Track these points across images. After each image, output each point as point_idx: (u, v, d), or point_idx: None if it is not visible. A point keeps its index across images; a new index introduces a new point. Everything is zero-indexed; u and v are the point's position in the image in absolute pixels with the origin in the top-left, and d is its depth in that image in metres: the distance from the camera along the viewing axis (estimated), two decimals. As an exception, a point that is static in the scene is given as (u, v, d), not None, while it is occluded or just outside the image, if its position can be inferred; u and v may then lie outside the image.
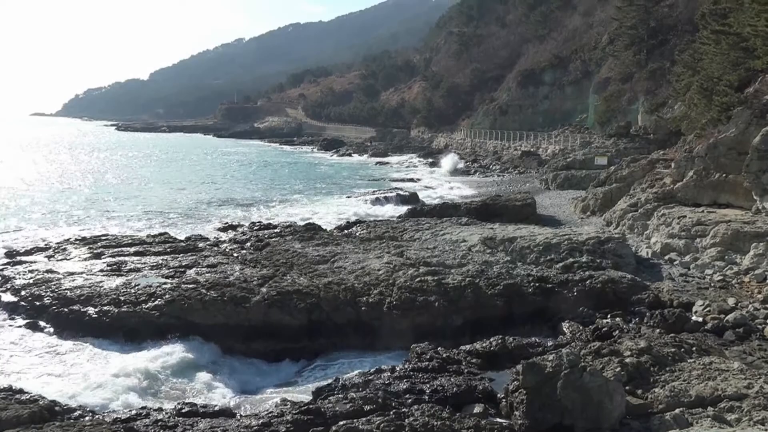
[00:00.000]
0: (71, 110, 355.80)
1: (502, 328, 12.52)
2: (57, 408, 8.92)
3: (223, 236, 21.75)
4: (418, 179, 46.23)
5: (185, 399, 9.90)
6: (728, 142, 19.47)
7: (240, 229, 23.27)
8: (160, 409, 9.03)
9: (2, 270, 16.31)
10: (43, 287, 14.41)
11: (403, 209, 27.78)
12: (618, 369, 8.97)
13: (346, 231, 21.41)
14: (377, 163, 63.26)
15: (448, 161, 53.58)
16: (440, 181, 44.92)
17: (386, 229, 20.48)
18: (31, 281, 14.99)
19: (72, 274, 15.49)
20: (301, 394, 10.50)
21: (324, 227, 22.21)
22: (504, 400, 8.92)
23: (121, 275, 15.23)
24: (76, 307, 13.24)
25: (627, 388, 8.63)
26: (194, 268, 15.62)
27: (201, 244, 19.08)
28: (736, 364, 9.31)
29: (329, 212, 29.99)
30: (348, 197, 35.33)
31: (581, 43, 61.95)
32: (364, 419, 8.21)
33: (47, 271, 15.79)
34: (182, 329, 12.64)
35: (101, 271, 15.79)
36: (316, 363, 12.33)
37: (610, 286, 14.08)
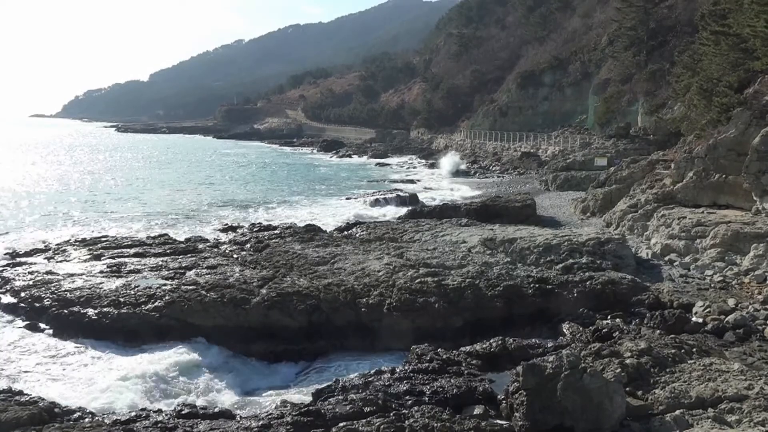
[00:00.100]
0: (71, 111, 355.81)
1: (503, 330, 12.53)
2: (56, 410, 8.92)
3: (223, 237, 21.75)
4: (418, 180, 46.24)
5: (185, 400, 9.88)
6: (728, 143, 19.47)
7: (240, 231, 23.27)
8: (159, 411, 9.03)
9: (2, 271, 16.31)
10: (43, 289, 14.41)
11: (403, 210, 27.78)
12: (618, 370, 8.96)
13: (346, 232, 21.42)
14: (377, 164, 63.25)
15: (448, 162, 53.49)
16: (440, 183, 44.93)
17: (386, 231, 20.48)
18: (30, 283, 14.99)
19: (72, 275, 15.49)
20: (301, 395, 10.49)
21: (324, 228, 22.21)
22: (504, 401, 8.91)
23: (121, 277, 15.23)
24: (75, 309, 13.23)
25: (627, 389, 8.63)
26: (194, 270, 15.62)
27: (201, 246, 19.09)
28: (737, 366, 9.30)
29: (329, 213, 29.99)
30: (348, 198, 35.33)
31: (581, 44, 61.98)
32: (364, 421, 8.20)
33: (47, 273, 15.79)
34: (182, 331, 12.64)
35: (101, 272, 15.80)
36: (316, 364, 12.32)
37: (610, 287, 14.07)
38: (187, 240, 20.30)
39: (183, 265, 16.11)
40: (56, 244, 19.90)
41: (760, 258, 15.37)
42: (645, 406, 8.38)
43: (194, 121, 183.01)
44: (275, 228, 22.48)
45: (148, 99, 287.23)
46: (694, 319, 12.57)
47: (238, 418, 8.96)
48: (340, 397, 9.10)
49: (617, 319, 12.70)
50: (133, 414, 8.82)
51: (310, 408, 8.66)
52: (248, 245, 19.12)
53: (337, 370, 11.73)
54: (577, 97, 58.34)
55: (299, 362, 12.45)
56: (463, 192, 38.23)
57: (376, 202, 32.59)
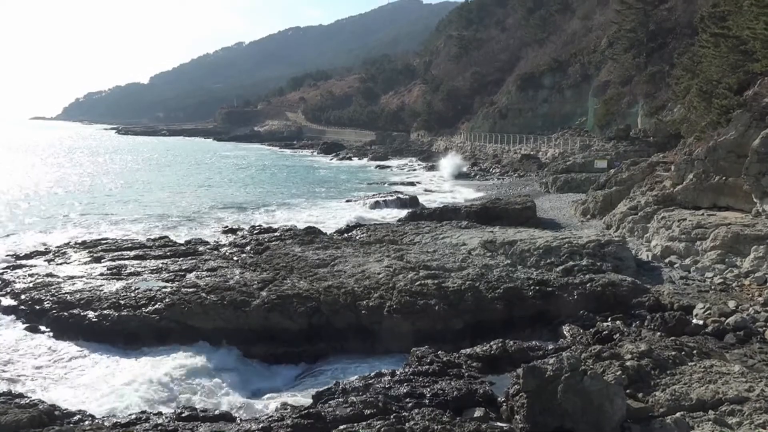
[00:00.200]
0: (71, 114, 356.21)
1: (503, 332, 12.52)
2: (56, 412, 8.91)
3: (223, 240, 21.74)
4: (418, 182, 46.26)
5: (185, 403, 9.88)
6: (728, 144, 19.48)
7: (240, 233, 23.27)
8: (159, 414, 9.02)
9: (2, 274, 16.30)
10: (43, 291, 14.39)
11: (403, 213, 27.78)
12: (619, 372, 8.96)
13: (346, 234, 21.42)
14: (377, 166, 63.27)
15: (450, 164, 53.29)
16: (441, 185, 44.95)
17: (386, 233, 20.48)
18: (31, 285, 14.98)
19: (72, 277, 15.48)
20: (302, 398, 10.48)
21: (324, 231, 22.21)
22: (505, 404, 8.91)
23: (121, 279, 15.22)
24: (76, 311, 13.22)
25: (628, 391, 8.61)
26: (194, 272, 15.61)
27: (201, 248, 19.08)
28: (737, 367, 9.29)
29: (329, 216, 29.99)
30: (348, 201, 35.34)
31: (580, 46, 62.05)
32: (364, 423, 8.20)
33: (47, 275, 15.78)
34: (182, 333, 12.63)
35: (101, 275, 15.79)
36: (316, 367, 12.31)
37: (611, 290, 14.06)
38: (188, 242, 20.29)
39: (183, 268, 16.11)
40: (56, 247, 19.89)
41: (760, 260, 15.37)
42: (645, 409, 8.37)
43: (194, 124, 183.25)
44: (275, 230, 22.49)
45: (149, 101, 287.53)
46: (694, 321, 12.56)
47: (238, 421, 8.95)
48: (340, 400, 9.09)
49: (617, 322, 12.69)
50: (133, 417, 8.81)
51: (311, 410, 8.66)
52: (248, 247, 19.12)
53: (337, 373, 11.71)
54: (576, 99, 58.37)
55: (299, 364, 12.44)
56: (464, 194, 38.24)
57: (376, 205, 32.59)
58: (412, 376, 10.02)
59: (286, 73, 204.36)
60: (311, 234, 20.81)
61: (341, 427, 8.14)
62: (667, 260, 17.34)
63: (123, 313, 12.98)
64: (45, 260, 18.16)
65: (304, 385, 11.48)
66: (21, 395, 9.33)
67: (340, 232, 22.23)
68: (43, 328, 13.14)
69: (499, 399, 9.23)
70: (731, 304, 13.29)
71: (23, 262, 18.02)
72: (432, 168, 56.48)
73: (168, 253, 18.01)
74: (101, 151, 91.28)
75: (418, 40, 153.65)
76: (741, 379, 8.75)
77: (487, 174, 50.30)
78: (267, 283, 14.32)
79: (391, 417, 8.34)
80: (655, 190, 22.22)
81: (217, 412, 9.22)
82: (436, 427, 8.05)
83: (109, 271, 16.03)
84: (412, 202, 32.73)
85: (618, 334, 11.62)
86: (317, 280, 14.58)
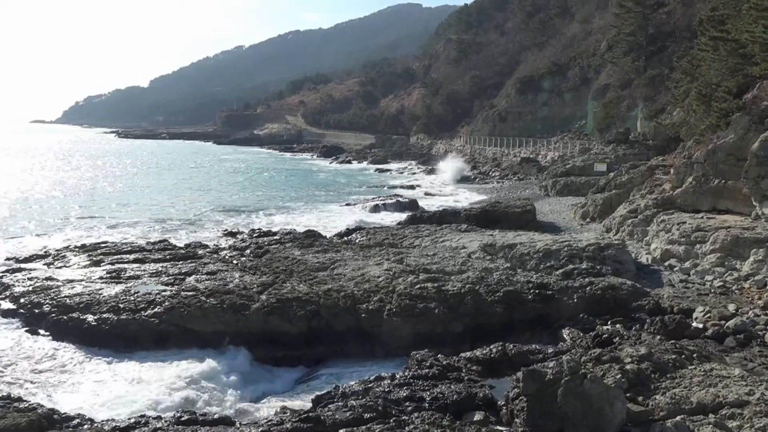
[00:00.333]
0: (71, 117, 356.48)
1: (503, 335, 12.49)
2: (55, 416, 8.88)
3: (223, 243, 21.72)
4: (418, 186, 46.27)
5: (185, 407, 9.85)
6: (727, 148, 19.50)
7: (240, 236, 23.26)
8: (159, 418, 9.00)
9: (2, 277, 16.27)
10: (43, 294, 14.38)
11: (403, 216, 27.78)
12: (619, 376, 8.94)
13: (345, 238, 21.41)
14: (377, 169, 63.29)
15: (451, 167, 52.85)
16: (440, 188, 44.96)
17: (386, 236, 20.47)
18: (30, 288, 14.95)
19: (71, 281, 15.46)
20: (301, 401, 10.46)
21: (324, 234, 22.20)
22: (504, 407, 8.89)
23: (121, 282, 15.20)
24: (75, 315, 13.21)
25: (628, 395, 8.60)
26: (194, 276, 15.60)
27: (200, 252, 19.07)
28: (737, 371, 9.28)
29: (329, 219, 29.99)
30: (348, 204, 35.34)
31: (580, 50, 62.16)
32: (364, 427, 8.18)
33: (47, 279, 15.75)
34: (182, 337, 12.62)
35: (101, 278, 15.77)
36: (316, 370, 12.30)
37: (611, 293, 14.05)
38: (187, 246, 20.28)
39: (183, 271, 16.09)
40: (56, 250, 19.87)
41: (759, 263, 15.37)
42: (645, 412, 8.35)
43: (194, 127, 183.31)
44: (275, 234, 22.47)
45: (149, 105, 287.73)
46: (694, 324, 12.55)
47: (238, 425, 8.92)
48: (339, 404, 9.07)
49: (617, 325, 12.67)
50: (132, 420, 8.78)
51: (310, 414, 8.63)
52: (248, 251, 19.11)
53: (336, 376, 11.69)
54: (576, 103, 58.45)
55: (299, 368, 12.42)
56: (464, 198, 38.23)
57: (375, 208, 32.60)
58: (411, 380, 10.00)
59: (286, 77, 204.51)
60: (311, 237, 20.80)
61: (341, 431, 8.11)
62: (666, 263, 17.34)
63: (122, 317, 12.96)
64: (44, 263, 18.14)
65: (304, 388, 11.46)
66: (20, 399, 9.30)
67: (339, 235, 22.22)
68: (42, 331, 13.11)
69: (499, 402, 9.21)
70: (731, 307, 13.28)
71: (23, 265, 18.00)
72: (432, 171, 56.45)
73: (167, 257, 18.00)
74: (101, 155, 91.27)
75: (417, 44, 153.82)
76: (741, 382, 8.73)
77: (487, 177, 50.31)
78: (267, 287, 14.31)
79: (391, 421, 8.32)
80: (655, 194, 22.23)
81: (216, 416, 9.20)
82: (435, 431, 8.03)
83: (108, 275, 16.02)
84: (411, 205, 32.74)
85: (618, 338, 11.60)
86: (317, 284, 14.57)
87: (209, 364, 11.70)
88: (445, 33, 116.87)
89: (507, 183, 45.46)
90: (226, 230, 25.59)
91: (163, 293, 13.93)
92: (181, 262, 17.19)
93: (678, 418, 8.06)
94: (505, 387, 9.58)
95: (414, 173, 58.62)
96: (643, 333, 12.01)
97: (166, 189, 45.19)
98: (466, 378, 10.25)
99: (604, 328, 12.48)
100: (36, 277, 15.98)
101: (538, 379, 8.25)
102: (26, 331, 13.17)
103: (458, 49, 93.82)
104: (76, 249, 19.69)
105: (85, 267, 17.27)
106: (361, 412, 8.60)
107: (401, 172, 60.12)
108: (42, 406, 9.15)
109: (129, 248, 19.43)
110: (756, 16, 21.04)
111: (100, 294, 14.11)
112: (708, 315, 12.81)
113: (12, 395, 9.47)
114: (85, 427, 8.67)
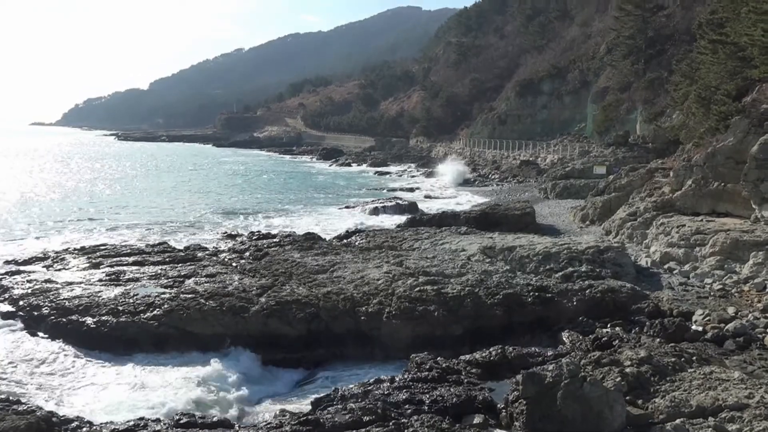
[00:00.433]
0: (71, 120, 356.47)
1: (502, 338, 12.49)
2: (54, 419, 8.86)
3: (222, 246, 21.68)
4: (418, 188, 46.29)
5: (183, 410, 9.83)
6: (726, 151, 19.52)
7: (239, 239, 23.21)
8: (157, 420, 8.97)
9: (1, 280, 16.25)
10: (42, 297, 14.36)
11: (403, 219, 27.78)
12: (618, 379, 8.93)
13: (345, 240, 21.39)
14: (376, 172, 63.33)
15: (452, 170, 52.70)
16: (440, 191, 44.97)
17: (385, 239, 20.46)
18: (29, 291, 14.94)
19: (70, 283, 15.44)
20: (300, 404, 10.44)
21: (323, 237, 22.19)
22: (504, 410, 8.88)
23: (120, 285, 15.19)
24: (74, 317, 13.19)
25: (627, 398, 8.59)
26: (193, 278, 15.58)
27: (200, 254, 19.05)
28: (737, 374, 9.27)
29: (328, 222, 30.01)
30: (347, 207, 35.34)
31: (579, 53, 62.27)
32: (363, 430, 8.17)
33: (46, 281, 15.74)
34: (181, 339, 12.60)
35: (100, 280, 15.75)
36: (315, 373, 12.28)
37: (610, 296, 14.05)
38: (186, 248, 20.27)
39: (182, 274, 16.08)
40: (55, 253, 19.84)
41: (759, 266, 15.37)
42: (645, 415, 8.34)
43: (194, 130, 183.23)
44: (274, 236, 22.44)
45: (148, 107, 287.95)
46: (693, 327, 12.55)
47: (237, 428, 8.91)
48: (339, 407, 9.06)
49: (617, 328, 12.67)
50: (131, 423, 8.76)
51: (309, 417, 8.62)
52: (247, 253, 19.09)
53: (336, 379, 11.68)
54: (575, 106, 58.54)
55: (298, 370, 12.41)
56: (464, 200, 38.22)
57: (375, 211, 32.60)
58: (411, 383, 9.99)
59: (286, 79, 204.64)
60: (310, 240, 20.78)
61: (340, 433, 8.11)
62: (666, 266, 17.33)
63: (121, 319, 12.95)
64: (43, 266, 18.10)
65: (303, 391, 11.45)
66: (19, 401, 9.27)
67: (339, 238, 22.20)
68: (41, 334, 13.10)
69: (498, 405, 9.20)
70: (730, 310, 13.28)
71: (22, 267, 17.95)
72: (431, 174, 56.48)
73: (167, 259, 17.98)
74: (101, 157, 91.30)
75: (417, 47, 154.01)
76: (741, 385, 8.73)
77: (487, 180, 50.33)
78: (266, 289, 14.30)
79: (390, 424, 8.31)
80: (654, 196, 22.23)
81: (215, 419, 9.18)
82: (435, 434, 8.02)
83: (107, 277, 16.00)
84: (411, 207, 32.73)
85: (617, 341, 11.60)
86: (316, 286, 14.57)
87: (215, 366, 11.68)
88: (444, 36, 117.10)
89: (506, 186, 45.47)
90: (226, 233, 25.56)
91: (163, 296, 13.92)
92: (180, 265, 17.17)
93: (678, 421, 8.06)
94: (505, 390, 9.56)
95: (413, 176, 58.65)
96: (643, 336, 12.01)
97: (166, 191, 45.19)
98: (465, 381, 10.24)
99: (604, 331, 12.48)
100: (35, 280, 15.95)
101: (537, 382, 8.24)
102: (25, 333, 13.15)
103: (458, 52, 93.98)
104: (76, 251, 19.67)
105: (84, 269, 17.25)
106: (360, 415, 8.59)
107: (401, 175, 60.14)
108: (41, 408, 9.12)
109: (128, 251, 19.41)
110: (755, 19, 21.10)
111: (99, 296, 14.10)
112: (707, 318, 12.80)
113: (11, 398, 9.44)
114: (84, 429, 8.65)
